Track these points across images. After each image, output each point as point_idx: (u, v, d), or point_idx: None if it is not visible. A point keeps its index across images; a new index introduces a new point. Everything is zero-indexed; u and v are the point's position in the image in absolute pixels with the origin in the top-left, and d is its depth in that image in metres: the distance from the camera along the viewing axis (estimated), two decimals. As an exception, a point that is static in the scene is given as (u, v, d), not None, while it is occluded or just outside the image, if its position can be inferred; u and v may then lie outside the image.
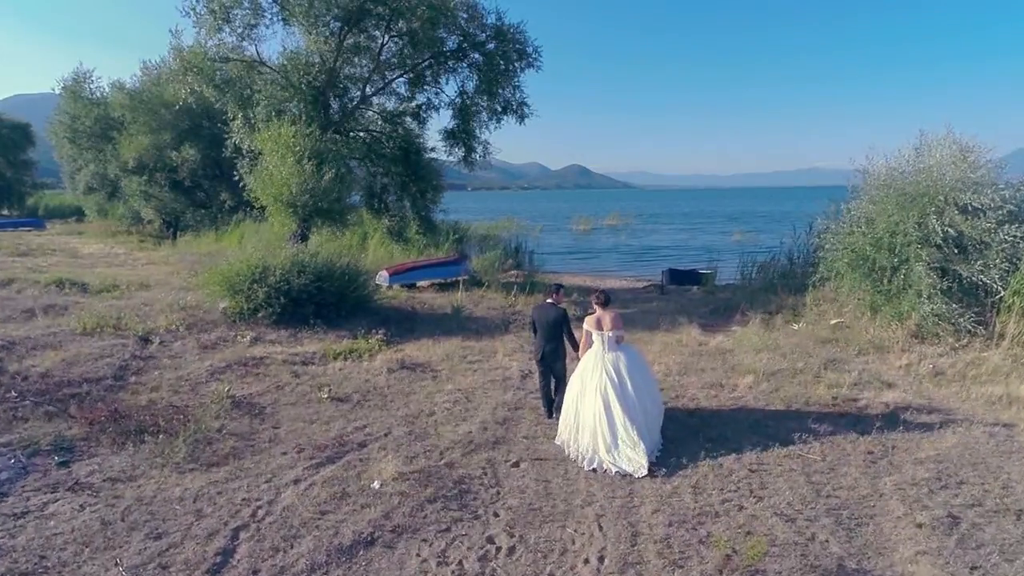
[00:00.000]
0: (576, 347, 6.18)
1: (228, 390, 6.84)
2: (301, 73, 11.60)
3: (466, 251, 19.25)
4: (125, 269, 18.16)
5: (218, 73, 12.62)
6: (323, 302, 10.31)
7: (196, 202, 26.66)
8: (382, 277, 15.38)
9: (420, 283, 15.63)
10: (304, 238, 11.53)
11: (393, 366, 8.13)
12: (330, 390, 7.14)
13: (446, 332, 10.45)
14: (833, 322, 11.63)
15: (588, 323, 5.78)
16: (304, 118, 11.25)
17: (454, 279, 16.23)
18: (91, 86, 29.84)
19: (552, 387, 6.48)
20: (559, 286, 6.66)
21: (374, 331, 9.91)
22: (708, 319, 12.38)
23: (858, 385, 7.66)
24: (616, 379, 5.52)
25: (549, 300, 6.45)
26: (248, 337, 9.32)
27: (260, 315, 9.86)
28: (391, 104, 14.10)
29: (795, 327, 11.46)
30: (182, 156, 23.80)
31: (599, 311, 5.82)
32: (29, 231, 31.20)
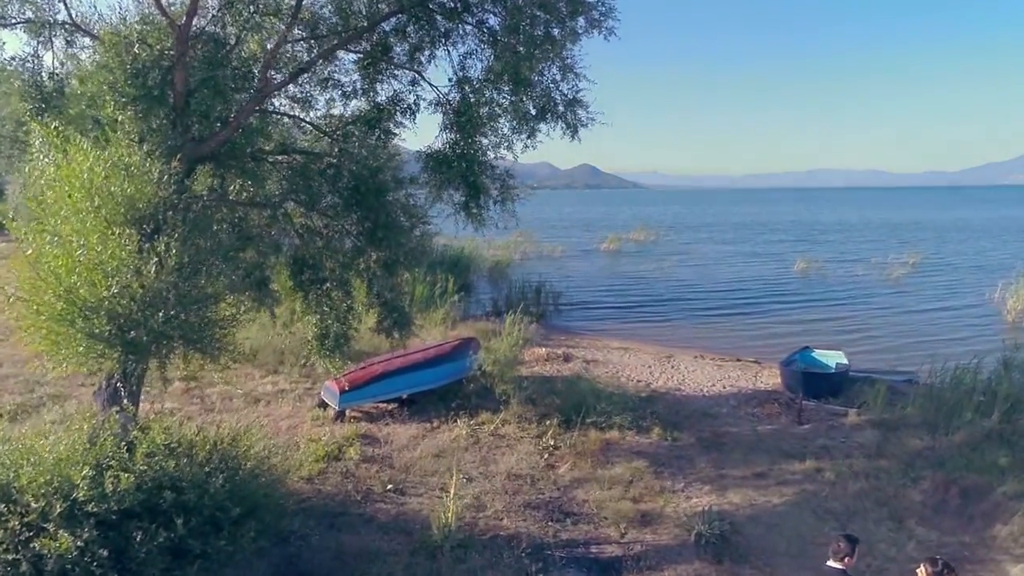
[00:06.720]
0: None
1: None
2: (123, 43, 5.44)
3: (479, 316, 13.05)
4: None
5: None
6: (135, 570, 4.19)
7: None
8: (329, 394, 9.20)
9: (401, 395, 9.47)
10: (128, 395, 5.20)
11: None
12: None
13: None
14: None
15: None
16: (131, 129, 5.17)
17: (453, 381, 10.09)
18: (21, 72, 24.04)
19: None
20: (852, 540, 4.01)
21: None
22: (934, 523, 6.21)
23: None
24: None
25: (831, 562, 3.99)
26: None
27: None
28: (336, 103, 7.54)
29: None
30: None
31: None
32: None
